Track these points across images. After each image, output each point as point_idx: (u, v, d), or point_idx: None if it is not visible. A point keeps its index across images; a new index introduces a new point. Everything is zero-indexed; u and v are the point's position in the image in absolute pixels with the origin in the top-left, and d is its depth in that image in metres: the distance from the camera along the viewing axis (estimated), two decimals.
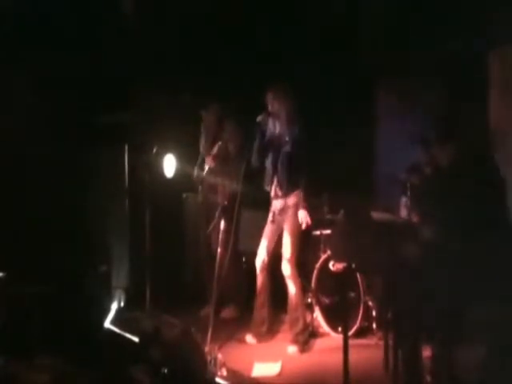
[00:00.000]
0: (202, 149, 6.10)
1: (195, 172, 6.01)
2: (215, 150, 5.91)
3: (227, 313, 5.77)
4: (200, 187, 6.04)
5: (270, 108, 5.15)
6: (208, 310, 5.74)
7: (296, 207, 5.08)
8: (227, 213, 5.25)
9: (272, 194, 5.20)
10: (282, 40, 6.12)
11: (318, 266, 5.46)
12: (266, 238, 5.22)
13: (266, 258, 5.19)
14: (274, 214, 5.21)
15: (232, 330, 5.48)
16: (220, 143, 5.89)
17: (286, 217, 5.12)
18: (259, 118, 5.16)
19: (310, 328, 5.32)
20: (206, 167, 5.96)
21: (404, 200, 5.16)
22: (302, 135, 5.07)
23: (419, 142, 4.89)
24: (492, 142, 5.21)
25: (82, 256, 5.82)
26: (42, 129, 5.86)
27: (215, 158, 5.90)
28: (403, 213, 4.96)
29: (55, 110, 5.96)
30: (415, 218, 4.56)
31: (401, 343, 3.94)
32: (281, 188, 5.13)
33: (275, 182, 5.16)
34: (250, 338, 5.25)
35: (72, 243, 5.85)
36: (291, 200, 5.10)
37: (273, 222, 5.21)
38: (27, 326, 4.83)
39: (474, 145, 3.97)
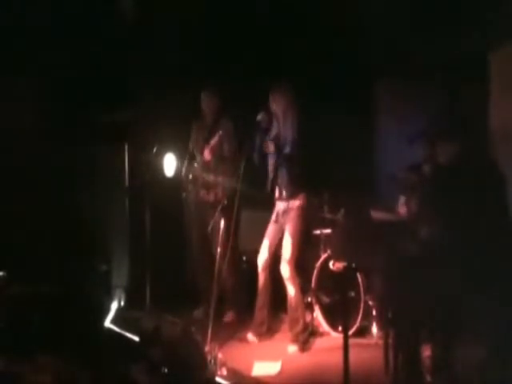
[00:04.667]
0: (194, 136, 5.88)
1: (183, 170, 5.83)
2: (214, 140, 5.67)
3: (229, 317, 5.77)
4: (190, 186, 5.85)
5: (271, 108, 5.15)
6: (200, 312, 5.78)
7: (299, 210, 5.07)
8: (227, 212, 5.25)
9: (276, 195, 5.20)
10: (282, 39, 6.11)
11: (318, 265, 5.46)
12: (268, 237, 5.21)
13: (268, 258, 5.18)
14: (277, 214, 5.19)
15: (232, 330, 5.49)
16: (219, 134, 5.64)
17: (288, 218, 5.11)
18: (259, 117, 5.16)
19: (310, 327, 5.32)
20: (198, 161, 5.77)
21: (404, 199, 5.17)
22: (303, 135, 5.06)
23: (421, 138, 4.91)
24: (492, 142, 5.21)
25: (82, 256, 5.83)
26: (41, 128, 5.86)
27: (213, 150, 5.66)
28: (403, 212, 4.97)
29: (55, 110, 5.96)
30: (415, 217, 4.56)
31: (401, 343, 3.94)
32: (284, 190, 5.12)
33: (278, 184, 5.15)
34: (250, 337, 5.25)
35: (72, 243, 5.85)
36: (295, 202, 5.09)
37: (276, 222, 5.20)
38: (27, 326, 4.83)
39: (474, 144, 3.97)
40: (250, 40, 6.21)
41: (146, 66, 6.26)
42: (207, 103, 5.82)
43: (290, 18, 6.11)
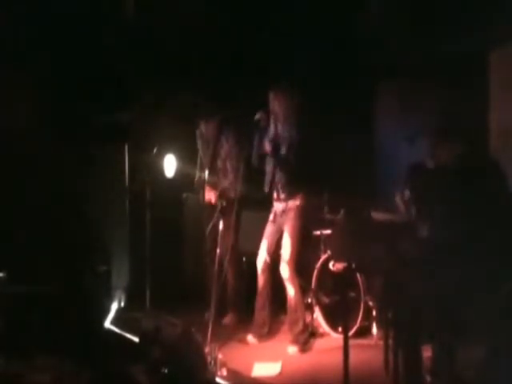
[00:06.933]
0: (200, 144, 5.91)
1: (197, 175, 5.85)
2: (220, 145, 5.71)
3: (229, 319, 5.75)
4: (201, 190, 5.89)
5: (270, 108, 5.13)
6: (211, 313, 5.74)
7: (298, 210, 5.06)
8: (226, 213, 5.24)
9: (274, 196, 5.19)
10: (282, 40, 6.11)
11: (318, 265, 5.45)
12: (266, 238, 5.20)
13: (268, 259, 5.17)
14: (275, 214, 5.18)
15: (232, 331, 5.48)
16: (225, 139, 5.70)
17: (286, 219, 5.10)
18: (257, 116, 5.13)
19: (310, 328, 5.32)
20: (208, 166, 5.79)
21: (404, 199, 5.16)
22: (303, 135, 5.05)
23: (421, 139, 4.90)
24: (492, 142, 5.21)
25: (82, 256, 5.83)
26: (41, 128, 5.86)
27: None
28: (403, 212, 4.96)
29: (55, 110, 5.96)
30: (415, 218, 4.56)
31: (401, 343, 3.94)
32: (282, 191, 5.11)
33: (276, 185, 5.14)
34: (251, 339, 5.24)
35: (72, 243, 5.85)
36: (293, 202, 5.08)
37: (273, 222, 5.19)
38: (27, 326, 4.84)
39: (474, 144, 3.97)
40: (250, 39, 6.21)
41: (146, 66, 6.26)
42: (207, 125, 5.80)
43: (290, 18, 6.12)
